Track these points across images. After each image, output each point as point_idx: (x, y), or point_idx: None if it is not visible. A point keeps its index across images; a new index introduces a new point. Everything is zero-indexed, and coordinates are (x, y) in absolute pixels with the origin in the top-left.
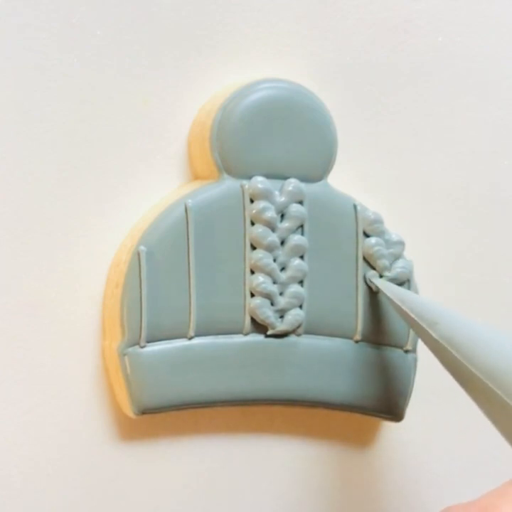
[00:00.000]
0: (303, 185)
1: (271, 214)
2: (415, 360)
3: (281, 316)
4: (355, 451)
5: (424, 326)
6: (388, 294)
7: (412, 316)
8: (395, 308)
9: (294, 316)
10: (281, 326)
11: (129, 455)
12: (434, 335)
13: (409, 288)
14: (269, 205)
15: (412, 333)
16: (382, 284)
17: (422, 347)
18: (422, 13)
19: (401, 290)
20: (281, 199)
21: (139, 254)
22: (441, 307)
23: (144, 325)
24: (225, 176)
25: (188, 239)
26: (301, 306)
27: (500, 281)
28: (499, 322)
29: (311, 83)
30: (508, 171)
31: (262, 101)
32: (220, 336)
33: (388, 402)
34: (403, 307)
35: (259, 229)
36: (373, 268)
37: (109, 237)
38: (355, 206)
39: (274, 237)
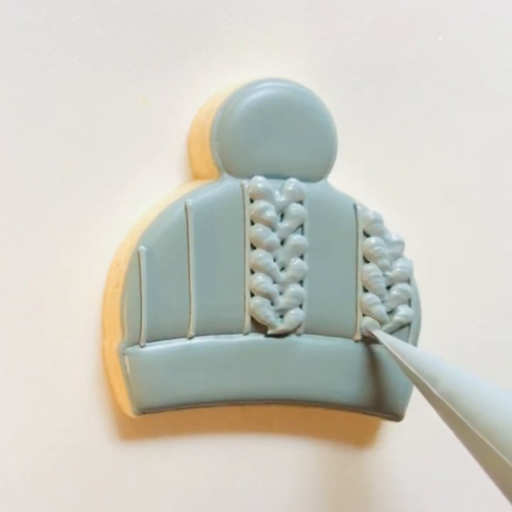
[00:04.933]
0: (303, 185)
1: (271, 214)
2: None
3: (281, 316)
4: (355, 451)
5: (425, 381)
6: (388, 347)
7: (413, 370)
8: (395, 361)
9: (294, 315)
10: (281, 326)
11: (129, 455)
12: (434, 391)
13: (409, 287)
14: (269, 205)
15: (412, 333)
16: (382, 336)
17: (422, 347)
18: (422, 13)
19: (400, 343)
20: (281, 199)
21: (139, 254)
22: (443, 362)
23: (143, 325)
24: (225, 175)
25: (188, 238)
26: (301, 306)
27: (500, 281)
28: (499, 322)
29: (311, 83)
30: (508, 171)
31: (262, 101)
32: (220, 336)
33: (388, 402)
34: (404, 361)
35: (259, 229)
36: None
37: (109, 237)
38: (355, 206)
39: (274, 237)
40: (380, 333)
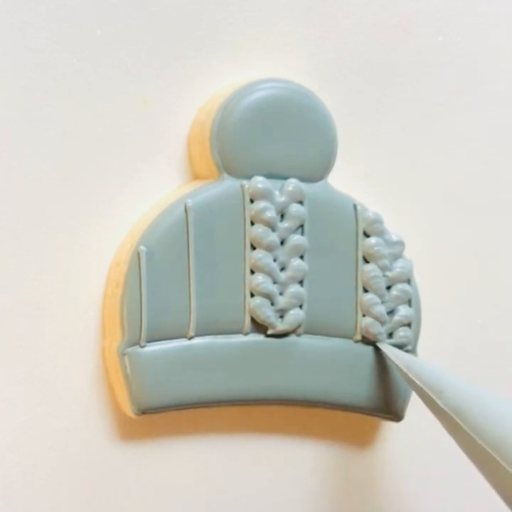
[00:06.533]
0: (303, 185)
1: (271, 214)
2: None
3: (281, 316)
4: (355, 451)
5: (430, 394)
6: (394, 360)
7: (418, 383)
8: (400, 374)
9: (294, 315)
10: (281, 326)
11: (129, 455)
12: (439, 403)
13: (409, 287)
14: (269, 205)
15: (414, 333)
16: (388, 350)
17: (422, 347)
18: (422, 13)
19: (406, 356)
20: (281, 199)
21: (139, 254)
22: (448, 375)
23: (143, 325)
24: (225, 175)
25: (188, 239)
26: (301, 306)
27: (500, 281)
28: (499, 322)
29: (311, 83)
30: (508, 171)
31: (262, 101)
32: (220, 336)
33: (388, 402)
34: (409, 374)
35: (259, 229)
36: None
37: (109, 237)
38: (355, 206)
39: (274, 237)
40: (385, 347)
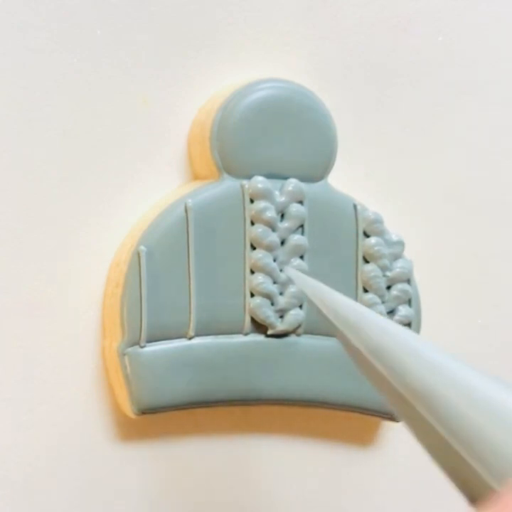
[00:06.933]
0: (303, 185)
1: (271, 214)
2: None
3: (281, 316)
4: (355, 451)
5: (341, 328)
6: (303, 289)
7: (332, 319)
8: (311, 306)
9: (294, 316)
10: (281, 326)
11: (129, 455)
12: (354, 342)
13: (409, 287)
14: (269, 205)
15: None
16: (296, 276)
17: None
18: (422, 13)
19: (316, 285)
20: (281, 199)
21: (139, 254)
22: (363, 309)
23: (143, 325)
24: (225, 175)
25: (188, 239)
26: (301, 306)
27: (500, 281)
28: (499, 322)
29: (311, 83)
30: (508, 171)
31: (262, 101)
32: (220, 336)
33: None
34: (322, 308)
35: (259, 229)
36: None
37: (109, 237)
38: (355, 206)
39: (274, 237)
40: (292, 272)
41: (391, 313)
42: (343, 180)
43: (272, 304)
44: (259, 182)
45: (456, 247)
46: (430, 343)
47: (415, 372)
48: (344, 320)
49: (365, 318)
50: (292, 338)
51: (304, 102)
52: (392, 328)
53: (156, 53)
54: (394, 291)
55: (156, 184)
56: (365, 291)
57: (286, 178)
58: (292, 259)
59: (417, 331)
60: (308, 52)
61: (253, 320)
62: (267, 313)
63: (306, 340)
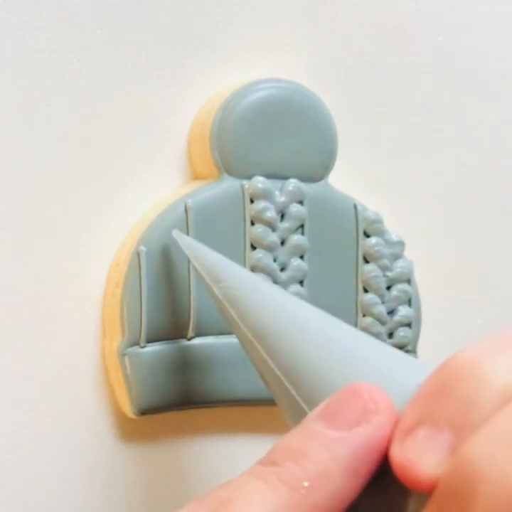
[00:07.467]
0: (303, 185)
1: (271, 214)
2: None
3: None
4: None
5: (210, 282)
6: (184, 250)
7: (201, 272)
8: (191, 263)
9: None
10: None
11: (129, 455)
12: (217, 292)
13: (409, 287)
14: (269, 205)
15: (414, 333)
16: (180, 237)
17: (422, 347)
18: (422, 13)
19: (195, 244)
20: (281, 199)
21: (139, 254)
22: (235, 266)
23: (143, 325)
24: (225, 175)
25: None
26: None
27: (500, 281)
28: (499, 322)
29: (311, 83)
30: (508, 170)
31: (262, 101)
32: (220, 336)
33: None
34: (194, 262)
35: (259, 229)
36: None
37: (109, 237)
38: (355, 206)
39: (274, 237)
40: (177, 233)
41: (391, 313)
42: (343, 180)
43: None
44: (260, 182)
45: (456, 247)
46: (276, 287)
47: (254, 312)
48: (210, 275)
49: (224, 269)
50: None
51: (304, 102)
52: (247, 276)
53: (156, 53)
54: (394, 291)
55: (156, 184)
56: (365, 291)
57: (286, 178)
58: (292, 259)
59: (417, 331)
60: (308, 52)
61: None
62: None
63: None
